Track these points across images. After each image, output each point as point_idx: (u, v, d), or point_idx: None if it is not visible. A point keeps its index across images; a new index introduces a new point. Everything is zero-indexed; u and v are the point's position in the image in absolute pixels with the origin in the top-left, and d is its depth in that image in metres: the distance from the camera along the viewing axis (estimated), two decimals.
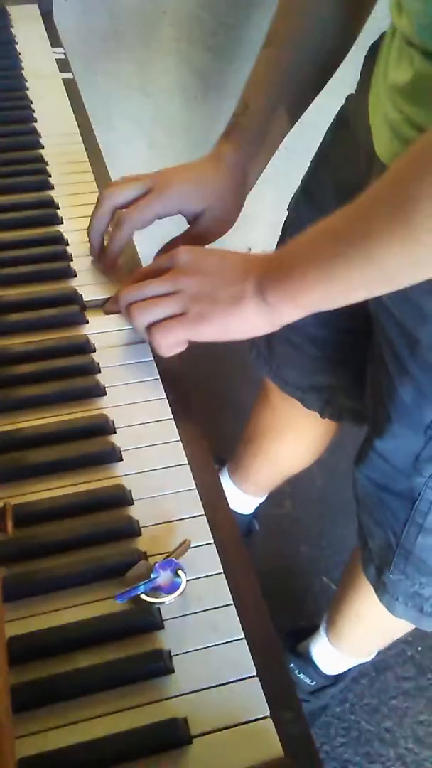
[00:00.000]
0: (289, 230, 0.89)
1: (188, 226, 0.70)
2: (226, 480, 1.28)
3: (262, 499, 1.33)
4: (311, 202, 0.83)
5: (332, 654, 1.13)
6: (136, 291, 0.60)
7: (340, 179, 0.77)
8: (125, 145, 1.56)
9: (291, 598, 1.34)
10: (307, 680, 1.15)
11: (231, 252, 0.60)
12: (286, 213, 0.90)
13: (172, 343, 0.59)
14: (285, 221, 0.90)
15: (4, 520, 0.39)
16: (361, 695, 1.23)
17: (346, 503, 0.87)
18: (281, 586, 1.35)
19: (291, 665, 1.16)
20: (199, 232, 0.68)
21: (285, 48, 0.69)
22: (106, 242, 0.68)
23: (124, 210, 0.65)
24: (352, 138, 0.74)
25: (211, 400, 1.60)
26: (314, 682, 1.16)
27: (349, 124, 0.77)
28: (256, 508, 1.34)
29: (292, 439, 1.15)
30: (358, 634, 1.08)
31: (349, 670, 1.17)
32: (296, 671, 1.15)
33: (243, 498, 1.30)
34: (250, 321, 0.57)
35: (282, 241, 0.91)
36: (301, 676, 1.15)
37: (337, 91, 0.77)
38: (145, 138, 1.57)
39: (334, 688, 1.17)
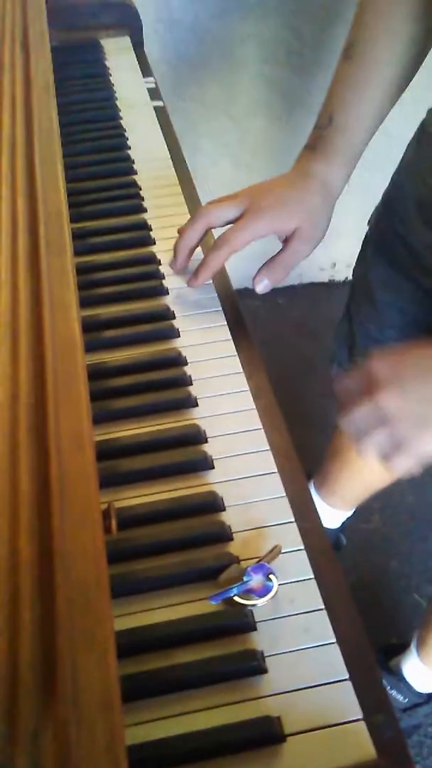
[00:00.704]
0: (370, 245, 0.89)
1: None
2: (312, 494, 1.29)
3: (349, 513, 1.33)
4: (392, 215, 0.84)
5: (424, 672, 1.11)
6: (352, 421, 0.56)
7: (422, 192, 0.77)
8: (211, 166, 1.60)
9: (381, 613, 1.32)
10: (399, 697, 1.13)
11: (429, 349, 0.56)
12: (367, 227, 0.90)
13: (405, 468, 0.56)
14: (365, 236, 0.90)
15: (109, 520, 0.42)
16: None
17: None
18: (371, 601, 1.33)
19: (383, 681, 1.14)
20: (292, 250, 0.69)
21: (366, 62, 0.70)
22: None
23: (222, 233, 0.67)
24: None
25: (297, 414, 1.61)
26: (406, 700, 1.14)
27: (431, 136, 0.77)
28: (343, 523, 1.34)
29: None
30: None
31: None
32: (388, 688, 1.14)
33: (329, 512, 1.30)
34: None
35: (362, 256, 0.91)
36: (393, 692, 1.13)
37: (418, 101, 0.78)
38: (230, 159, 1.61)
39: (426, 707, 1.15)
